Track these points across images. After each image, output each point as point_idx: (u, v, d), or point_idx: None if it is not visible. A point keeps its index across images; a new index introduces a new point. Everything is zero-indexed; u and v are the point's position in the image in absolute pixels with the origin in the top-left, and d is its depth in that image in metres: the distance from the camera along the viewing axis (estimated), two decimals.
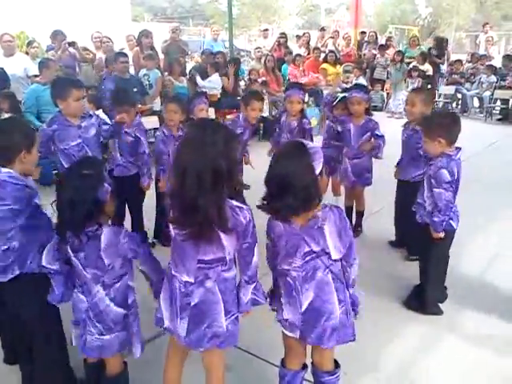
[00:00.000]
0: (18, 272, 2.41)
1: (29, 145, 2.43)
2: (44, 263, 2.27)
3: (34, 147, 2.47)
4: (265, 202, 2.11)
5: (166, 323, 2.20)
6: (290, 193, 2.01)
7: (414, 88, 5.04)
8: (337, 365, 2.41)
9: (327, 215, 2.14)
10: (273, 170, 2.09)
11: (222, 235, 2.02)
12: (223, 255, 2.09)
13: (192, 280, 2.10)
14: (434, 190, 3.24)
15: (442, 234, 3.28)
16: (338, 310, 2.22)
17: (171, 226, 2.09)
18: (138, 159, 4.27)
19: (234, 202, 2.06)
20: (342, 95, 4.88)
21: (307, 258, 2.16)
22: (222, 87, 8.62)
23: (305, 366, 2.44)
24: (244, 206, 2.08)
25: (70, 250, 2.19)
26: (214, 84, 8.37)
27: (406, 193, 4.07)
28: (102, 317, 2.27)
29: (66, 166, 3.63)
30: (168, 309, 2.19)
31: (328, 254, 2.17)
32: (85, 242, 2.15)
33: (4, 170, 2.34)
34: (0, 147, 2.37)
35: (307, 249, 2.15)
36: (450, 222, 3.30)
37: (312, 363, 2.41)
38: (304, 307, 2.20)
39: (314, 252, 2.15)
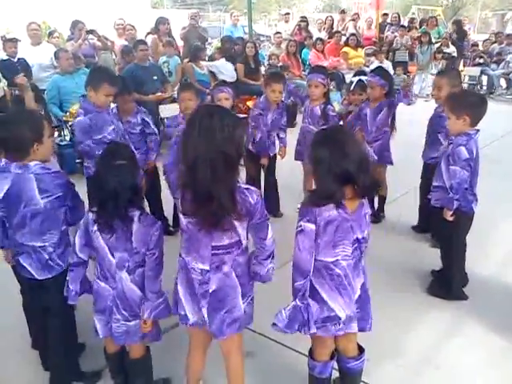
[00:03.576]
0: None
1: (39, 135, 2.42)
2: (77, 251, 2.32)
3: (45, 136, 2.45)
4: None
5: (191, 318, 2.18)
6: (367, 175, 2.02)
7: (440, 71, 4.96)
8: (361, 349, 2.41)
9: (365, 202, 2.14)
10: (348, 154, 2.01)
11: (236, 222, 2.00)
12: (238, 239, 2.07)
13: (207, 267, 2.09)
14: (450, 167, 3.20)
15: (450, 215, 3.23)
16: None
17: (182, 216, 2.07)
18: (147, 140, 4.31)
19: (242, 185, 2.03)
20: (356, 79, 4.82)
21: (355, 246, 2.15)
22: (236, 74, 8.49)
23: (333, 355, 2.42)
24: (252, 188, 2.05)
25: (99, 233, 2.22)
26: (220, 69, 8.17)
27: (429, 175, 4.01)
28: (128, 303, 2.29)
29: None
30: (190, 301, 2.17)
31: (366, 240, 2.17)
32: (120, 224, 2.19)
33: (32, 163, 2.37)
34: (11, 143, 2.37)
35: (354, 236, 2.13)
36: (471, 205, 3.26)
37: (336, 350, 2.40)
38: (357, 295, 2.20)
39: (358, 240, 2.14)
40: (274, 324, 2.20)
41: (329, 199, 2.05)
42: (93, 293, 2.37)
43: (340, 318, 2.18)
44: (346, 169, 2.00)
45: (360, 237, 2.14)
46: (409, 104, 4.55)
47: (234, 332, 2.18)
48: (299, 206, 2.17)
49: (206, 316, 2.13)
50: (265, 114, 4.57)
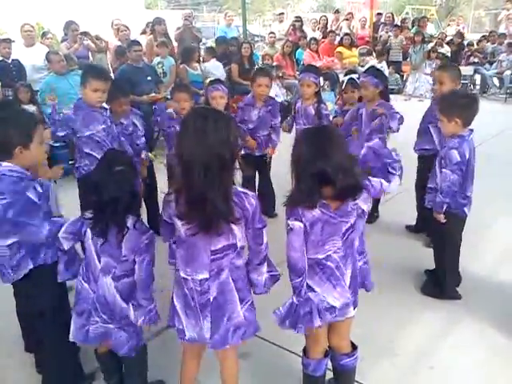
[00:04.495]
0: (31, 266, 2.37)
1: (25, 140, 2.25)
2: (60, 234, 2.26)
3: (33, 143, 2.28)
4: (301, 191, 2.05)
5: (188, 334, 2.14)
6: (351, 175, 1.99)
7: (440, 66, 4.91)
8: (354, 346, 2.41)
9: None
10: (327, 153, 1.98)
11: (232, 224, 1.99)
12: (234, 241, 2.05)
13: (207, 275, 2.05)
14: (442, 170, 3.22)
15: (442, 217, 3.25)
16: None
17: (179, 223, 2.02)
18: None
19: (239, 188, 2.02)
20: (348, 77, 4.83)
21: (346, 235, 2.12)
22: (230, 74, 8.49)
23: (327, 354, 2.41)
24: (249, 192, 2.04)
25: (90, 234, 2.22)
26: (211, 70, 8.14)
27: (421, 168, 4.04)
28: (108, 307, 2.28)
29: (92, 153, 3.57)
30: (189, 315, 2.12)
31: (362, 214, 2.13)
32: (115, 231, 2.18)
33: (4, 163, 2.24)
34: None
35: (344, 228, 2.10)
36: (464, 208, 3.28)
37: (330, 347, 2.40)
38: (348, 281, 2.17)
39: (348, 228, 2.11)
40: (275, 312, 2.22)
41: (304, 199, 2.03)
42: (75, 292, 2.35)
43: (335, 307, 2.18)
44: (322, 169, 1.96)
45: (351, 223, 2.11)
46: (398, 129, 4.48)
47: (239, 341, 2.14)
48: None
49: (207, 327, 2.09)
50: (249, 110, 4.58)
